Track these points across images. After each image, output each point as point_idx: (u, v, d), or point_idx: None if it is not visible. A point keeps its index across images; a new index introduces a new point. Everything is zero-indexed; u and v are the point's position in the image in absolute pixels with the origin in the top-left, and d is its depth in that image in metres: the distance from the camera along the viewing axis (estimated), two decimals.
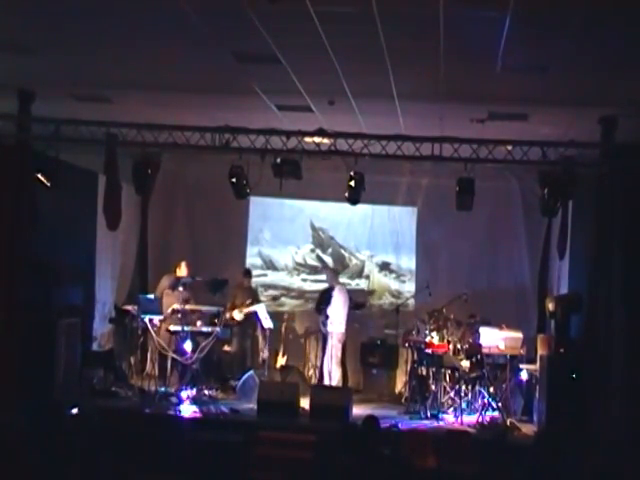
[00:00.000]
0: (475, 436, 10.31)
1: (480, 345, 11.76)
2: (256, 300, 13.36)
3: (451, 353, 11.95)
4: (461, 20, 6.86)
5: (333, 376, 12.75)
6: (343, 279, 14.22)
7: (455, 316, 12.44)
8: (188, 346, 11.93)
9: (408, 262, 14.66)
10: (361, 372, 13.95)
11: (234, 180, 10.82)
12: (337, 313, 12.88)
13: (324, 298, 13.32)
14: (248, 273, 13.81)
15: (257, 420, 10.81)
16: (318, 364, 13.58)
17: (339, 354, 12.85)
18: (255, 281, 14.70)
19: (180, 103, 10.31)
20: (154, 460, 9.13)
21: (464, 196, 10.59)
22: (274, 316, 13.59)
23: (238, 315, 13.03)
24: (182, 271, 12.86)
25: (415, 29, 7.18)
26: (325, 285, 13.75)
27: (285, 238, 14.93)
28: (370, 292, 14.53)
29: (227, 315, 12.76)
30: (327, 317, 12.97)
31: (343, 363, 13.37)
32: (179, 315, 12.01)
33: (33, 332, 10.48)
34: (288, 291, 14.86)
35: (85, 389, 11.57)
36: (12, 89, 9.87)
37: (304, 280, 14.70)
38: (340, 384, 12.81)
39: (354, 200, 11.05)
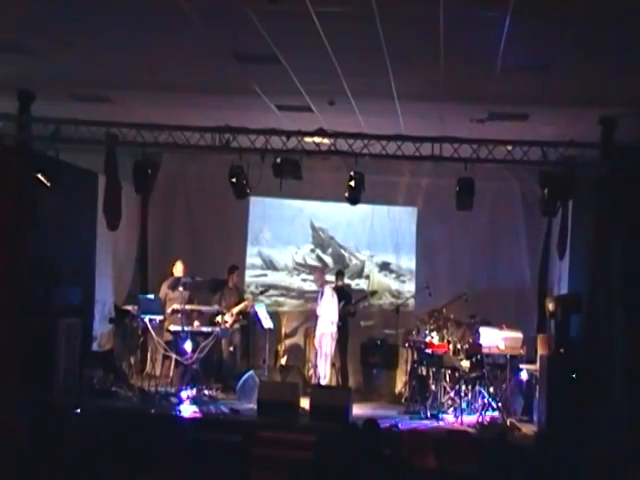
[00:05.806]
0: (475, 436, 10.30)
1: (480, 345, 11.75)
2: (241, 300, 13.09)
3: (451, 353, 11.95)
4: (461, 20, 6.86)
5: (326, 375, 12.70)
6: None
7: (455, 316, 12.45)
8: (188, 346, 11.92)
9: (408, 262, 14.65)
10: (361, 372, 13.94)
11: (234, 180, 10.82)
12: (326, 312, 12.85)
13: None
14: (232, 270, 13.31)
15: (257, 420, 10.80)
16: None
17: (330, 353, 12.81)
18: (255, 281, 14.72)
19: (180, 103, 10.31)
20: (154, 460, 9.14)
21: (464, 196, 10.59)
22: (274, 316, 13.59)
23: (229, 319, 12.82)
24: (178, 270, 12.82)
25: (415, 29, 7.19)
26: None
27: (285, 238, 14.91)
28: (372, 292, 14.44)
29: (220, 319, 12.64)
30: (317, 317, 12.96)
31: (343, 363, 13.38)
32: (179, 315, 12.03)
33: (33, 332, 10.49)
34: (288, 291, 14.84)
35: (85, 389, 11.56)
36: (12, 89, 9.87)
37: (304, 280, 14.68)
38: (332, 382, 12.79)
39: (354, 200, 11.05)
